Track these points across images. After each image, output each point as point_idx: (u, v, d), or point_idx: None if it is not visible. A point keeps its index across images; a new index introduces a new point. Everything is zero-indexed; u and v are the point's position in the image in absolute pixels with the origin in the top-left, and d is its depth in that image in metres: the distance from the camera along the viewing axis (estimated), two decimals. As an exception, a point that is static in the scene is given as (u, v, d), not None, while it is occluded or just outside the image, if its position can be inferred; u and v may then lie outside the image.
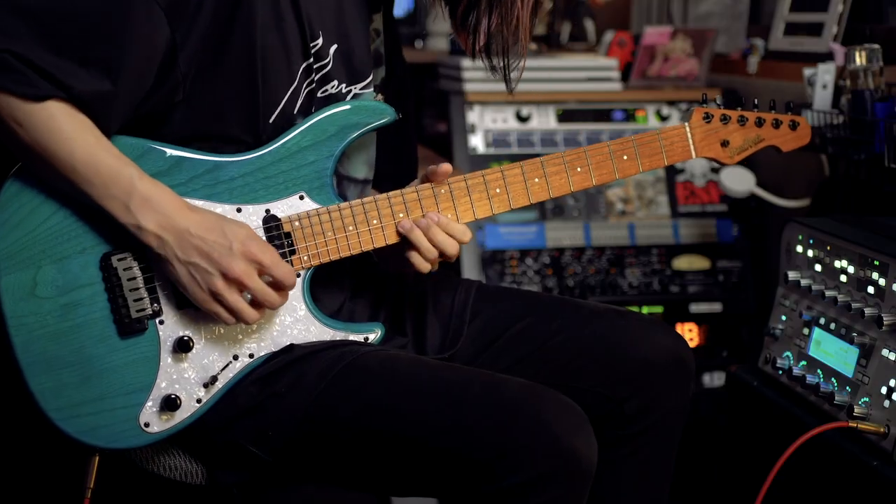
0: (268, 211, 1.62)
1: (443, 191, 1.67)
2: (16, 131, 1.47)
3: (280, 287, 1.57)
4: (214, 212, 1.57)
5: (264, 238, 1.61)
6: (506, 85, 1.74)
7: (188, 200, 1.56)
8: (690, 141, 1.76)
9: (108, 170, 1.50)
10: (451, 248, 1.65)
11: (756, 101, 1.81)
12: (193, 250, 1.52)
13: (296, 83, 1.62)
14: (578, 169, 1.71)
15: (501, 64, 1.71)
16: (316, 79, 1.64)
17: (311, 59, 1.62)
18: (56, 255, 1.54)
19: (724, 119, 1.77)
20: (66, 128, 1.48)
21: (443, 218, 1.65)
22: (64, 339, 1.54)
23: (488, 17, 1.66)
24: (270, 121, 1.61)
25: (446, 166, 1.66)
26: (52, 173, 1.50)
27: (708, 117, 1.76)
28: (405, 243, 1.66)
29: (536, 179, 1.70)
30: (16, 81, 1.44)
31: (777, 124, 1.80)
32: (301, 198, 1.63)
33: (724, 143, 1.77)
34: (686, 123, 1.76)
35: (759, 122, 1.79)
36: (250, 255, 1.54)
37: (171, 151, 1.58)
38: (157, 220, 1.51)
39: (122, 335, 1.56)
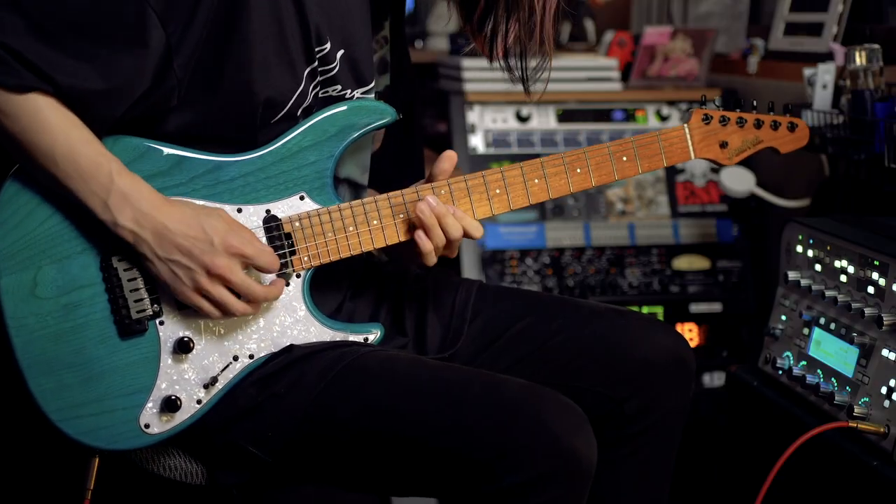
0: (268, 211, 1.62)
1: (443, 191, 1.67)
2: (0, 121, 1.48)
3: (266, 272, 1.57)
4: (190, 203, 1.57)
5: (264, 239, 1.61)
6: (524, 87, 1.72)
7: (190, 200, 1.56)
8: (689, 142, 1.76)
9: (88, 163, 1.49)
10: (456, 231, 1.62)
11: (755, 102, 1.81)
12: (174, 248, 1.52)
13: (302, 86, 1.61)
14: (578, 170, 1.71)
15: (520, 73, 1.70)
16: (320, 80, 1.64)
17: (316, 63, 1.62)
18: (56, 256, 1.54)
19: (723, 120, 1.77)
20: (50, 121, 1.48)
21: (458, 211, 1.64)
22: (64, 339, 1.54)
23: (506, 23, 1.65)
24: (273, 122, 1.61)
25: (450, 153, 1.66)
26: (35, 166, 1.50)
27: (707, 119, 1.76)
28: (413, 229, 1.63)
29: (536, 180, 1.69)
30: (1, 72, 1.44)
31: (775, 126, 1.80)
32: (301, 198, 1.63)
33: (723, 145, 1.77)
34: (685, 125, 1.76)
35: (758, 124, 1.79)
36: (232, 248, 1.53)
37: (171, 151, 1.58)
38: (133, 216, 1.50)
39: (122, 336, 1.56)
